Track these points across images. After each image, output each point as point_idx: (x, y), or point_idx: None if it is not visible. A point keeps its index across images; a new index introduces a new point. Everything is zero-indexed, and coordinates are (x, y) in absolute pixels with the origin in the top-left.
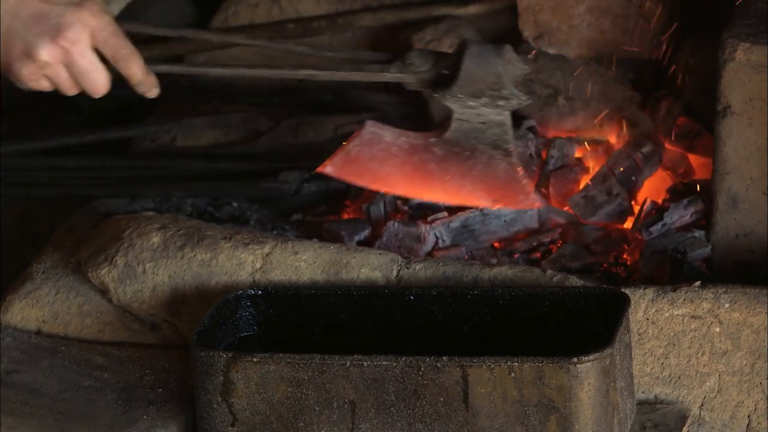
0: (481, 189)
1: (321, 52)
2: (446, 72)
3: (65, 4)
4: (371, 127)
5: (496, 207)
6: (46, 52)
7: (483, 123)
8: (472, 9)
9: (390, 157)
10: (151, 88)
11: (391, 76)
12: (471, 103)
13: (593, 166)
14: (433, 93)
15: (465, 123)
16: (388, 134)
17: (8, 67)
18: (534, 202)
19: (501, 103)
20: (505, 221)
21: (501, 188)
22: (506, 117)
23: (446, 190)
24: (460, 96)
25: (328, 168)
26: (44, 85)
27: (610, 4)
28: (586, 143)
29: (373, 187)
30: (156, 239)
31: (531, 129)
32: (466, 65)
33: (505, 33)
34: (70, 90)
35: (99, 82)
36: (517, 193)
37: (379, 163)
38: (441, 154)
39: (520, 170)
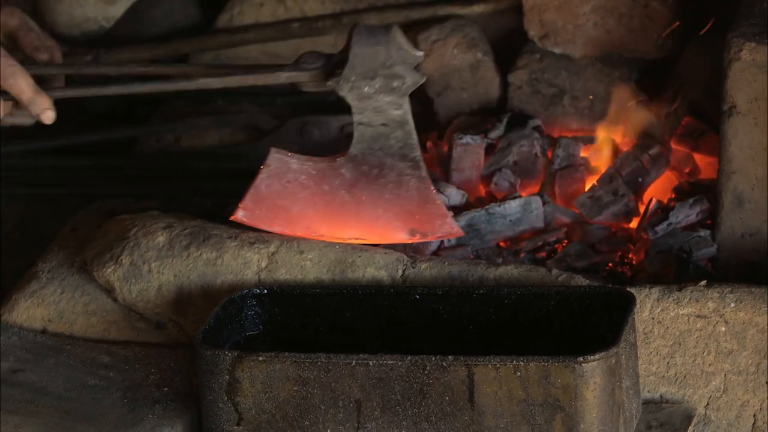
0: (396, 218)
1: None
2: (338, 62)
3: None
4: (276, 155)
5: (416, 241)
6: None
7: (385, 125)
8: (477, 8)
9: (300, 188)
10: (44, 110)
11: (285, 75)
12: (366, 89)
13: (599, 166)
14: (327, 84)
15: (367, 128)
16: (294, 161)
17: None
18: (452, 229)
19: (395, 84)
20: (510, 221)
21: (417, 213)
22: (406, 112)
23: (362, 223)
24: (353, 79)
25: (239, 214)
26: None
27: (615, 4)
28: (591, 143)
29: (288, 232)
30: (161, 238)
31: (536, 128)
32: (355, 47)
33: (511, 32)
34: None
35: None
36: (434, 218)
37: (289, 200)
38: (350, 177)
39: (431, 188)
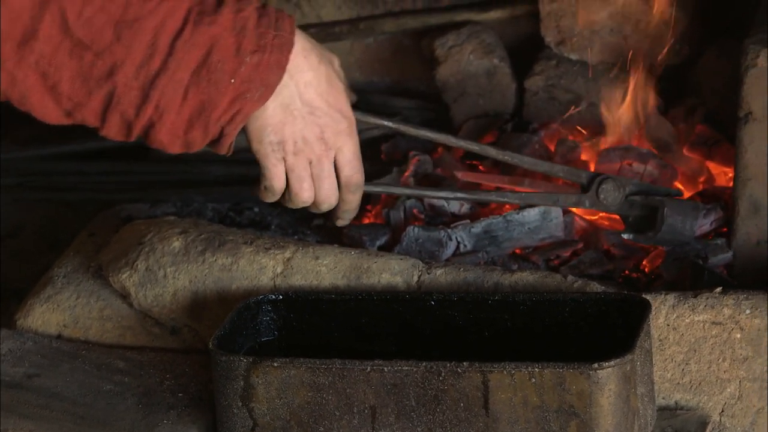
0: None
1: (535, 164)
2: (645, 219)
3: (338, 111)
4: None
5: None
6: (304, 144)
7: None
8: (494, 14)
9: None
10: (347, 221)
11: (588, 203)
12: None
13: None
14: (627, 237)
15: None
16: None
17: (259, 132)
18: None
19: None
20: (529, 228)
21: None
22: None
23: None
24: (652, 239)
25: None
26: (279, 174)
27: (632, 10)
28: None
29: None
30: (177, 244)
31: (534, 131)
32: (668, 219)
33: (527, 38)
34: (304, 192)
35: (332, 196)
36: None
37: None
38: None
39: None
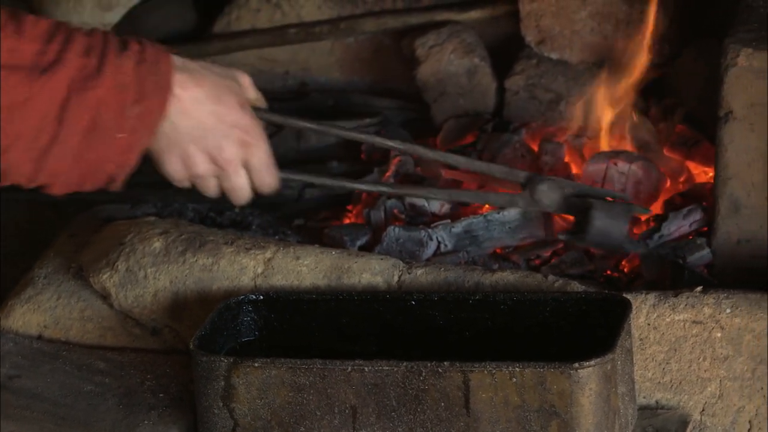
0: None
1: (471, 164)
2: (579, 225)
3: (232, 125)
4: None
5: None
6: (203, 168)
7: None
8: (474, 14)
9: None
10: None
11: (522, 203)
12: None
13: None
14: (563, 238)
15: None
16: None
17: (160, 162)
18: None
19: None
20: (509, 228)
21: None
22: None
23: None
24: (586, 243)
25: None
26: (186, 185)
27: (612, 10)
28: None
29: None
30: (157, 244)
31: (516, 131)
32: (595, 222)
33: (508, 38)
34: (213, 194)
35: (243, 197)
36: None
37: None
38: None
39: None
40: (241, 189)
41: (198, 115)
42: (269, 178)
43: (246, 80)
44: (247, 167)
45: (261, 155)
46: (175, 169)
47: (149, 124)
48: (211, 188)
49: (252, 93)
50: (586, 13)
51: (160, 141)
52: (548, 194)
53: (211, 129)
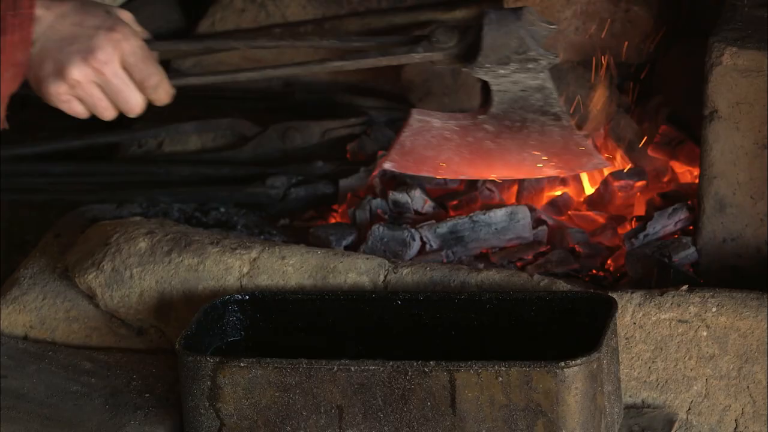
0: (542, 158)
1: (346, 42)
2: (472, 44)
3: (96, 27)
4: (417, 116)
5: (563, 174)
6: (78, 71)
7: (523, 90)
8: (459, 14)
9: (444, 141)
10: (166, 100)
11: (419, 56)
12: (501, 71)
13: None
14: (462, 68)
15: (505, 93)
16: (436, 119)
17: (39, 86)
18: (600, 162)
19: (531, 65)
20: (496, 229)
21: (563, 153)
22: (543, 80)
23: (508, 164)
24: (487, 66)
25: (387, 164)
26: (78, 109)
27: (597, 9)
28: None
29: (438, 174)
30: (143, 244)
31: None
32: (486, 34)
33: None
34: (106, 111)
35: (134, 101)
36: (581, 155)
37: (435, 150)
38: (493, 130)
39: (576, 132)
40: (125, 92)
41: (63, 27)
42: (153, 77)
43: (126, 15)
44: (125, 66)
45: (134, 48)
46: (54, 84)
47: (14, 58)
48: (97, 100)
49: (135, 26)
50: (571, 13)
51: (34, 63)
52: (445, 35)
53: (78, 35)
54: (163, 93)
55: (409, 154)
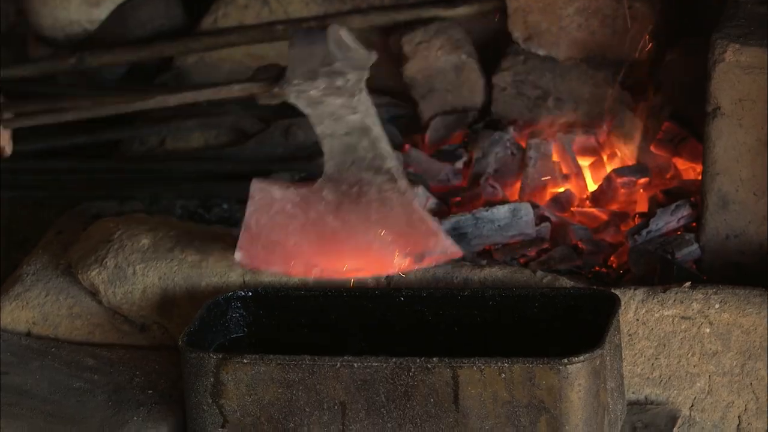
0: (390, 242)
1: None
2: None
3: None
4: (258, 184)
5: (416, 267)
6: None
7: (348, 134)
8: (462, 11)
9: (289, 220)
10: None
11: (238, 87)
12: (312, 92)
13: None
14: (273, 91)
15: (333, 140)
16: (276, 189)
17: None
18: (447, 248)
19: (339, 82)
20: (498, 226)
21: (408, 234)
22: (364, 116)
23: (357, 251)
24: (295, 82)
25: (237, 255)
26: None
27: (599, 6)
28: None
29: (289, 271)
30: (146, 241)
31: (505, 129)
32: (292, 49)
33: (495, 34)
34: None
35: None
36: (426, 237)
37: (282, 232)
38: (332, 198)
39: (414, 205)
40: None
41: None
42: None
43: None
44: None
45: None
46: None
47: None
48: None
49: None
50: (573, 10)
51: None
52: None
53: None
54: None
55: (257, 240)
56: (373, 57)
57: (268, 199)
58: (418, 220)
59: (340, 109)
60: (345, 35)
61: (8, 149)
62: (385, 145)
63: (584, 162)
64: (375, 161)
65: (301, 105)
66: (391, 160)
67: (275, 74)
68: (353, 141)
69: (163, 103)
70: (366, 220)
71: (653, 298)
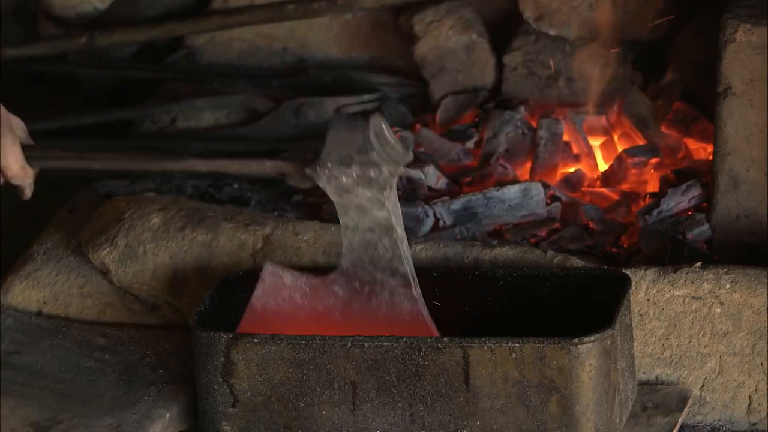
0: None
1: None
2: (319, 149)
3: None
4: (271, 269)
5: None
6: None
7: (371, 230)
8: None
9: (295, 308)
10: (26, 186)
11: (270, 164)
12: (343, 179)
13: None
14: (306, 171)
15: (355, 234)
16: (288, 276)
17: None
18: None
19: (372, 173)
20: (509, 206)
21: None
22: (390, 214)
23: None
24: (329, 165)
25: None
26: None
27: None
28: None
29: None
30: (157, 220)
31: (516, 109)
32: (331, 130)
33: (506, 14)
34: None
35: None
36: None
37: (285, 320)
38: (342, 294)
39: (423, 312)
40: None
41: None
42: (7, 172)
43: (17, 122)
44: None
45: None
46: None
47: None
48: None
49: (20, 132)
50: None
51: None
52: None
53: None
54: (13, 158)
55: (259, 324)
56: (410, 156)
57: (278, 285)
58: (424, 330)
59: (368, 201)
60: (386, 129)
61: (28, 192)
62: (405, 248)
63: (595, 142)
64: (393, 263)
65: (330, 190)
66: (408, 265)
67: (309, 155)
68: (374, 238)
69: (192, 168)
70: (372, 323)
71: (664, 278)
